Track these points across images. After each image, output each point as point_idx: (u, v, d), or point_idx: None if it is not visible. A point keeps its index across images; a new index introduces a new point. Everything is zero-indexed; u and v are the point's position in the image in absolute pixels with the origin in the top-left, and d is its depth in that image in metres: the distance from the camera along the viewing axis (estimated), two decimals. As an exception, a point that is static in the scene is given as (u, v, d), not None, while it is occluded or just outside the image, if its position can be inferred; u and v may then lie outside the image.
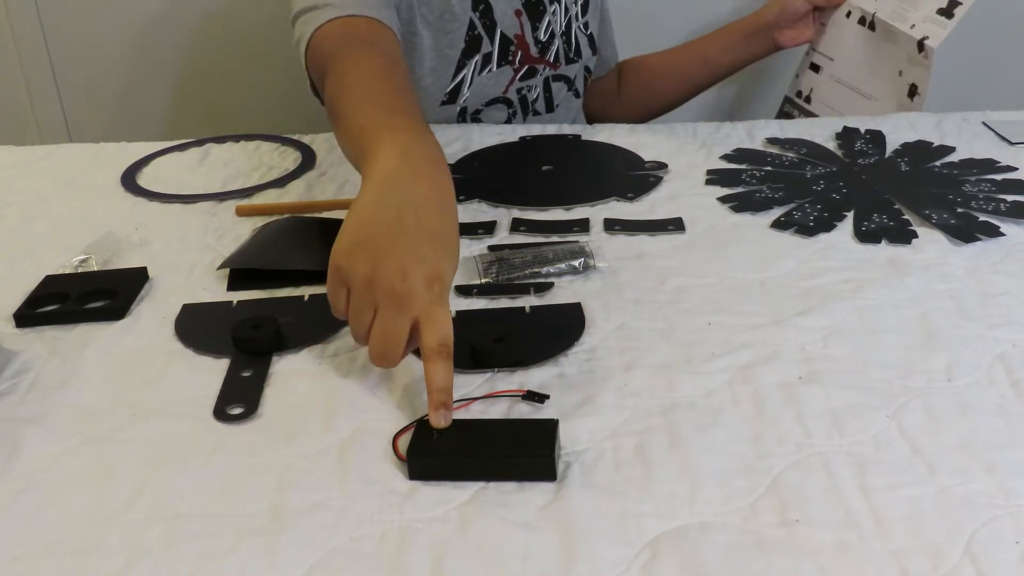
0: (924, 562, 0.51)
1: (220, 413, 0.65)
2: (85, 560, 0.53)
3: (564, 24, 1.24)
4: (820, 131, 1.10)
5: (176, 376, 0.70)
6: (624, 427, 0.62)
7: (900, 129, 1.10)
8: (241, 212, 0.96)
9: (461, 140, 1.12)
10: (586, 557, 0.52)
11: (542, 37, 1.22)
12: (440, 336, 0.61)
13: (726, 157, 1.04)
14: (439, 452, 0.59)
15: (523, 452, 0.58)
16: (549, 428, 0.59)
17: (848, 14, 1.31)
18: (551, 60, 1.24)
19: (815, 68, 1.37)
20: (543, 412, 0.64)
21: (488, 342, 0.69)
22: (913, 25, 1.21)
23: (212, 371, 0.70)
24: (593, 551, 0.52)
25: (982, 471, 0.57)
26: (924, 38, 1.19)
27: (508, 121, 1.22)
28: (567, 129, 1.14)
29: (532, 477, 0.58)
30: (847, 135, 1.09)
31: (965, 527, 0.53)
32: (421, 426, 0.61)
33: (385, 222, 0.66)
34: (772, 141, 1.08)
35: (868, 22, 1.27)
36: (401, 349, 0.63)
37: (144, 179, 1.06)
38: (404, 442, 0.60)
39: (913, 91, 1.22)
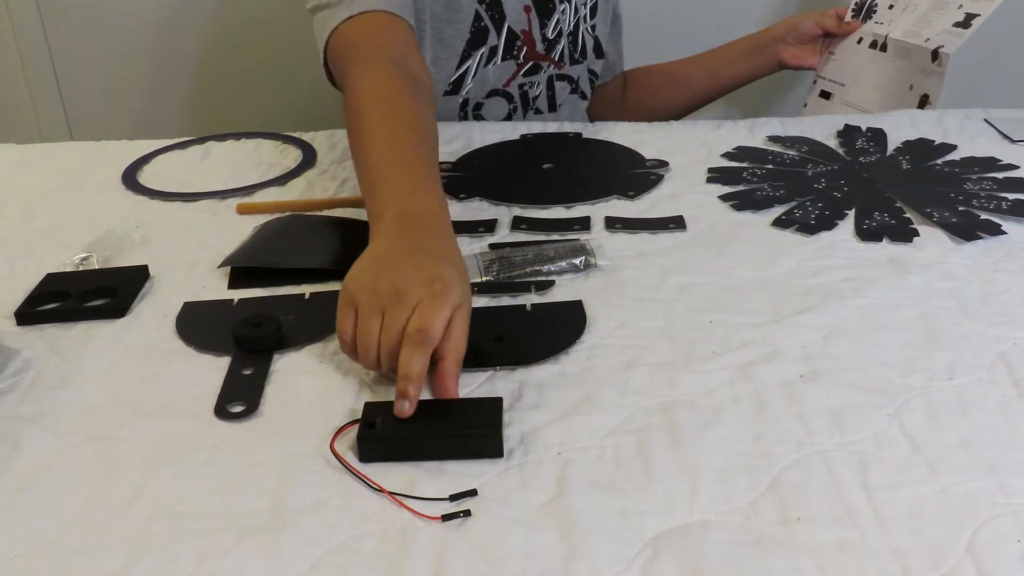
0: (925, 561, 0.51)
1: (221, 411, 0.65)
2: (85, 558, 0.53)
3: (572, 24, 1.24)
4: (821, 129, 1.10)
5: (177, 374, 0.70)
6: (625, 425, 0.62)
7: (901, 127, 1.10)
8: (242, 210, 0.96)
9: (462, 138, 1.12)
10: (586, 556, 0.52)
11: (549, 35, 1.22)
12: (420, 323, 0.62)
13: (727, 155, 1.04)
14: (387, 434, 0.60)
15: (470, 430, 0.60)
16: (495, 406, 0.61)
17: (860, 40, 1.31)
18: (556, 58, 1.24)
19: (826, 95, 1.37)
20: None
21: (489, 340, 0.69)
22: (928, 39, 1.21)
23: (213, 369, 0.70)
24: (593, 549, 0.52)
25: (983, 470, 0.57)
26: (939, 47, 1.19)
27: (509, 116, 1.22)
28: (568, 127, 1.14)
29: (479, 455, 0.59)
30: (848, 133, 1.09)
31: (966, 526, 0.53)
32: (368, 409, 0.62)
33: (390, 252, 0.69)
34: (773, 139, 1.08)
35: (880, 44, 1.28)
36: None
37: (145, 177, 1.06)
38: (345, 439, 0.61)
39: (924, 101, 1.22)
